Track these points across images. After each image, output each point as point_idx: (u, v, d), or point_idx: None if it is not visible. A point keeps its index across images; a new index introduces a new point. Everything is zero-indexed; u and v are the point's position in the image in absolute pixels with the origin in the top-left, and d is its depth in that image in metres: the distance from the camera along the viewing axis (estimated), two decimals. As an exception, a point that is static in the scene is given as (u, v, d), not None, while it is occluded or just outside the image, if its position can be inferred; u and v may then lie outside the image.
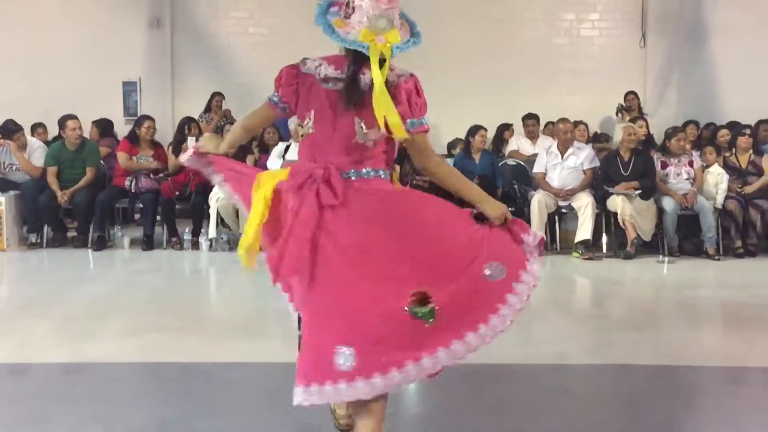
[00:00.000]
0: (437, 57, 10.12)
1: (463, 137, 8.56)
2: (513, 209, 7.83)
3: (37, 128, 9.25)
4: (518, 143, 8.96)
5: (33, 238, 7.85)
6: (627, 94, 9.61)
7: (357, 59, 2.39)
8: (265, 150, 8.48)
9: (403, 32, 2.48)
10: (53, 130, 9.00)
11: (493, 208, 2.47)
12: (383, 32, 2.39)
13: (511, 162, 8.50)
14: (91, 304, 5.34)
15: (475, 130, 8.14)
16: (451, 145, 9.26)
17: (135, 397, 3.39)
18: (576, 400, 3.43)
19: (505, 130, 9.36)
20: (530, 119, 9.12)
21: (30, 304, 5.22)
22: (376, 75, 2.34)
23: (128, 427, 2.95)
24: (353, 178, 2.41)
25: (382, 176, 2.48)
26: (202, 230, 7.75)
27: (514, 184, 8.06)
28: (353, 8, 2.39)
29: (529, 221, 7.61)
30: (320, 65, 2.44)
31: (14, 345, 4.19)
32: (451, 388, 3.48)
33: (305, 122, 2.49)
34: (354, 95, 2.39)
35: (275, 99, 2.54)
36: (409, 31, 2.52)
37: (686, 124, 9.17)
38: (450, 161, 8.44)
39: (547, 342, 4.43)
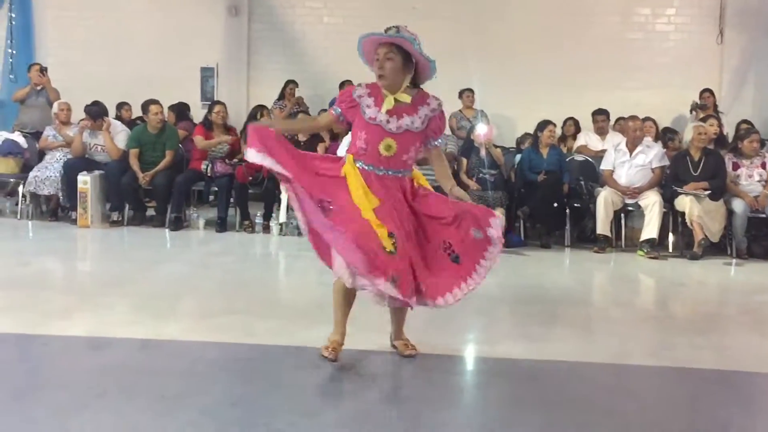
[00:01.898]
0: (510, 50, 10.18)
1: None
2: (579, 205, 7.91)
3: (123, 106, 9.66)
4: (587, 139, 8.91)
5: (115, 216, 8.24)
6: (703, 91, 9.43)
7: None
8: (336, 138, 8.67)
9: None
10: (135, 112, 9.41)
11: None
12: None
13: (578, 158, 8.48)
14: (168, 283, 5.61)
15: (543, 125, 8.14)
16: (519, 141, 9.28)
17: (210, 375, 3.58)
18: (634, 401, 3.48)
19: (563, 125, 9.24)
20: (600, 115, 9.04)
21: (112, 282, 5.51)
22: None
23: (206, 402, 3.15)
24: None
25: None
26: (273, 214, 8.02)
27: (580, 180, 8.05)
28: None
29: (594, 218, 7.62)
30: None
31: (97, 320, 4.45)
32: (512, 383, 3.59)
33: None
34: None
35: None
36: None
37: (740, 123, 8.95)
38: (518, 156, 8.49)
39: (608, 341, 4.47)
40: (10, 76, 10.72)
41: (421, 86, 3.75)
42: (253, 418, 3.02)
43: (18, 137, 8.75)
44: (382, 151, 3.59)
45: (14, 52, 10.84)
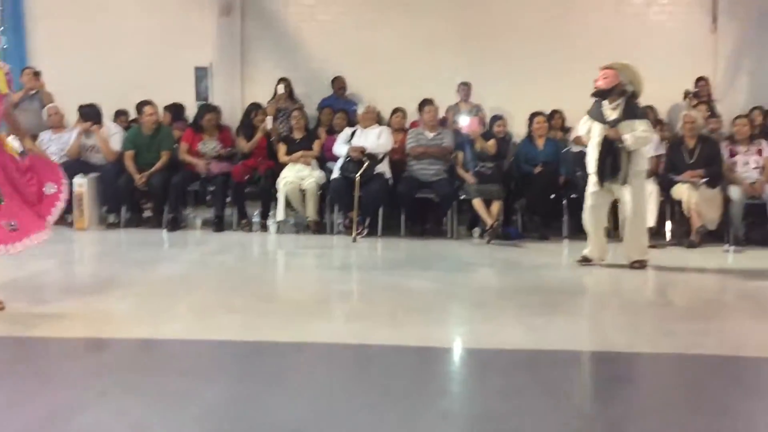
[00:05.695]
0: (502, 43, 10.15)
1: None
2: (576, 196, 7.89)
3: (120, 115, 9.61)
4: (584, 129, 8.83)
5: (111, 218, 8.23)
6: (698, 79, 9.43)
7: None
8: (332, 133, 8.67)
9: None
10: (131, 115, 9.40)
11: None
12: None
13: (575, 149, 8.46)
14: (166, 283, 5.61)
15: (533, 116, 8.17)
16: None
17: (209, 373, 3.59)
18: (635, 388, 3.49)
19: (550, 118, 9.04)
20: None
21: (110, 283, 5.50)
22: None
23: (205, 400, 3.15)
24: None
25: None
26: (271, 213, 8.03)
27: (577, 171, 8.01)
28: None
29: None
30: None
31: (97, 321, 4.45)
32: (512, 373, 3.59)
33: None
34: None
35: None
36: None
37: (752, 110, 8.95)
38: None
39: (608, 329, 4.50)
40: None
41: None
42: (256, 415, 3.02)
43: (12, 141, 8.70)
44: None
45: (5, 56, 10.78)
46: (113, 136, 8.33)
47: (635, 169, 6.06)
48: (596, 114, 6.25)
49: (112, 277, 5.75)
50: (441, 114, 8.84)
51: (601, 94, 6.20)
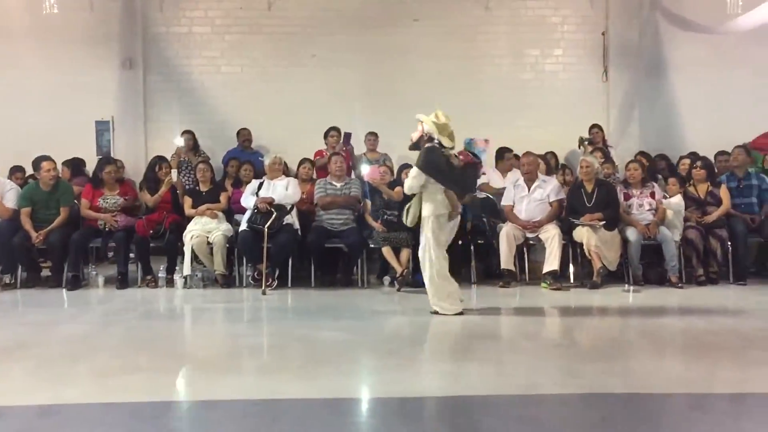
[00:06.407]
0: (407, 94, 10.35)
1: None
2: (482, 241, 8.06)
3: (16, 172, 9.24)
4: (489, 176, 9.09)
5: (7, 278, 7.85)
6: (591, 127, 9.85)
7: None
8: (239, 185, 8.59)
9: None
10: (28, 171, 9.06)
11: None
12: None
13: (480, 195, 8.66)
14: (66, 344, 5.36)
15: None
16: None
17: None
18: (545, 429, 3.54)
19: None
20: (508, 152, 9.24)
21: (5, 347, 5.23)
22: None
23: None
24: None
25: None
26: (177, 267, 7.83)
27: (483, 217, 8.21)
28: None
29: (498, 253, 7.78)
30: None
31: (-9, 388, 4.22)
32: (424, 419, 3.59)
33: None
34: None
35: None
36: None
37: (636, 154, 9.40)
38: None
39: (517, 372, 4.55)
40: None
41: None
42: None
43: None
44: None
45: None
46: (7, 192, 8.00)
47: (424, 214, 6.24)
48: None
49: (7, 340, 5.46)
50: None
51: (413, 146, 6.49)
